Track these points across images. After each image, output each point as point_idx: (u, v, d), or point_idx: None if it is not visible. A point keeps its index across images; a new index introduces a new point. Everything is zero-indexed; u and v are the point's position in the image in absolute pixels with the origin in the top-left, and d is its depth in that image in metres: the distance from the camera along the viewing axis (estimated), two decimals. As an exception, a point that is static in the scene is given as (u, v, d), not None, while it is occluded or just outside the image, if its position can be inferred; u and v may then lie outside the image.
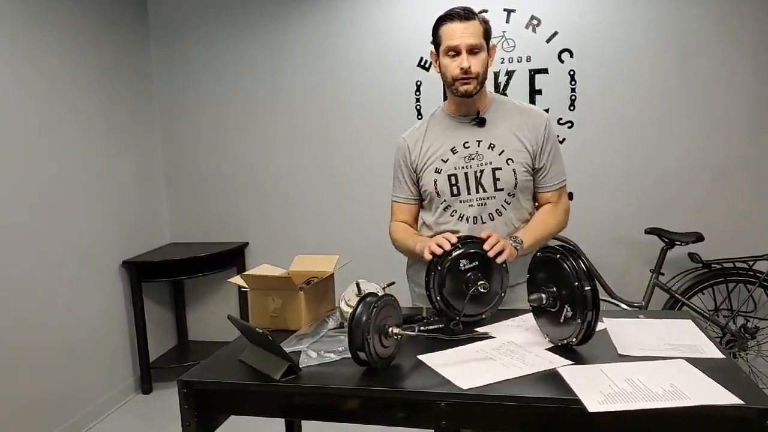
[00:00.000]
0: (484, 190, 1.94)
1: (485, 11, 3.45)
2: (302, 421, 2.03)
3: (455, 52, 1.87)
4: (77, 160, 3.33)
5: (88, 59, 3.45)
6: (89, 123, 3.44)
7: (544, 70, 3.51)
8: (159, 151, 4.12)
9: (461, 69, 1.86)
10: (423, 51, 3.65)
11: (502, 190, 1.94)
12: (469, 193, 1.96)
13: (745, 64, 3.30)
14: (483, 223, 1.95)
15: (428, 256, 1.76)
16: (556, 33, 3.47)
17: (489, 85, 2.14)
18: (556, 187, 2.01)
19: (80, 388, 3.30)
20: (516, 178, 1.93)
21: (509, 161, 1.93)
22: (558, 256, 1.52)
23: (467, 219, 1.97)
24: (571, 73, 3.48)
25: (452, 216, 1.99)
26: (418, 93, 3.70)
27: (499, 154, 1.94)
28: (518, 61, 3.52)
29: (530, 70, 3.52)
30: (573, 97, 3.48)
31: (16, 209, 2.93)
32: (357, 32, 3.74)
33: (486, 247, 1.72)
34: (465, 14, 1.87)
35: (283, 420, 1.97)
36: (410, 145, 2.06)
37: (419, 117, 3.69)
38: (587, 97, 3.47)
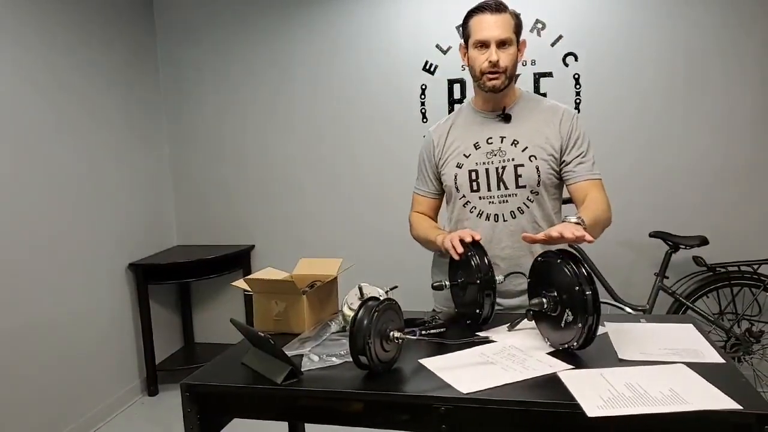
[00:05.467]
0: (506, 187, 1.92)
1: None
2: (305, 423, 2.04)
3: (484, 45, 1.85)
4: (84, 163, 3.36)
5: (96, 64, 3.48)
6: (95, 126, 3.47)
7: (549, 74, 3.52)
8: (166, 154, 4.14)
9: (489, 62, 1.84)
10: (428, 55, 3.66)
11: (524, 187, 1.91)
12: (489, 190, 1.94)
13: (751, 66, 3.30)
14: (504, 221, 1.93)
15: (456, 256, 1.74)
16: (560, 37, 3.48)
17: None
18: (592, 178, 1.91)
19: (87, 389, 3.33)
20: (539, 175, 1.90)
21: (532, 158, 1.90)
22: (559, 260, 1.52)
23: (487, 216, 1.95)
24: (576, 76, 3.48)
25: (471, 212, 1.97)
26: (423, 96, 3.71)
27: (522, 151, 1.91)
28: (523, 65, 3.52)
29: (535, 74, 3.53)
30: (578, 101, 3.48)
31: (23, 212, 2.96)
32: (363, 36, 3.76)
33: (554, 233, 1.53)
34: (496, 7, 1.84)
35: (286, 423, 1.98)
36: (435, 139, 2.05)
37: (424, 120, 3.70)
38: (592, 100, 3.47)
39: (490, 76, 1.87)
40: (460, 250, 1.74)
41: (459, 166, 1.97)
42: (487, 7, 1.85)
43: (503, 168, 1.92)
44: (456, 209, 2.02)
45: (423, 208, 2.13)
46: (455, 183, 1.97)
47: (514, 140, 1.93)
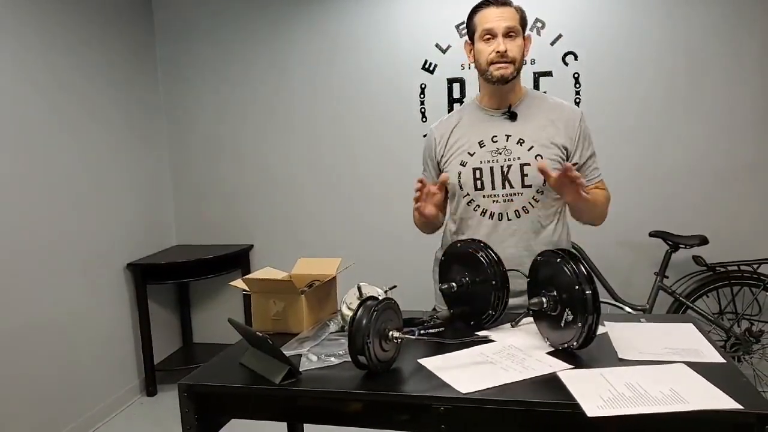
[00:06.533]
0: (511, 186, 1.91)
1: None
2: (304, 424, 2.04)
3: (491, 35, 1.85)
4: (83, 162, 3.36)
5: (95, 64, 3.47)
6: (94, 126, 3.46)
7: (549, 73, 3.51)
8: (165, 153, 4.14)
9: (497, 52, 1.84)
10: (427, 54, 3.66)
11: (530, 186, 1.91)
12: (493, 188, 1.93)
13: (751, 66, 3.29)
14: (508, 220, 1.92)
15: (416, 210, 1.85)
16: (560, 36, 3.47)
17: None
18: (597, 181, 1.99)
19: (85, 389, 3.32)
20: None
21: (538, 157, 1.89)
22: (558, 259, 1.52)
23: (491, 215, 1.94)
24: (576, 76, 3.48)
25: (475, 211, 1.96)
26: (422, 96, 3.70)
27: (528, 150, 1.90)
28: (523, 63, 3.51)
29: (534, 73, 3.52)
30: (577, 100, 3.48)
31: (22, 211, 2.95)
32: (362, 36, 3.75)
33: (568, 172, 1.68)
34: (502, 0, 1.87)
35: (285, 423, 1.97)
36: (437, 137, 2.05)
37: (424, 120, 3.70)
38: (591, 100, 3.47)
39: (498, 65, 1.86)
40: (417, 185, 1.81)
41: (463, 164, 1.96)
42: (492, 1, 1.87)
43: (508, 167, 1.91)
44: (460, 207, 2.01)
45: None
46: (459, 181, 1.97)
47: (520, 139, 1.92)
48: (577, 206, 1.87)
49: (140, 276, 3.70)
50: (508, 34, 1.85)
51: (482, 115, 2.00)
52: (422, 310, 1.94)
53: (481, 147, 1.95)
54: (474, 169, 1.94)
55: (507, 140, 1.93)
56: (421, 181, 1.82)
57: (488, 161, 1.94)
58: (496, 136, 1.95)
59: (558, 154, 1.91)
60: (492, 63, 1.87)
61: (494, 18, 1.85)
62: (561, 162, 1.91)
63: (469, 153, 1.96)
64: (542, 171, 1.73)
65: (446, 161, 2.01)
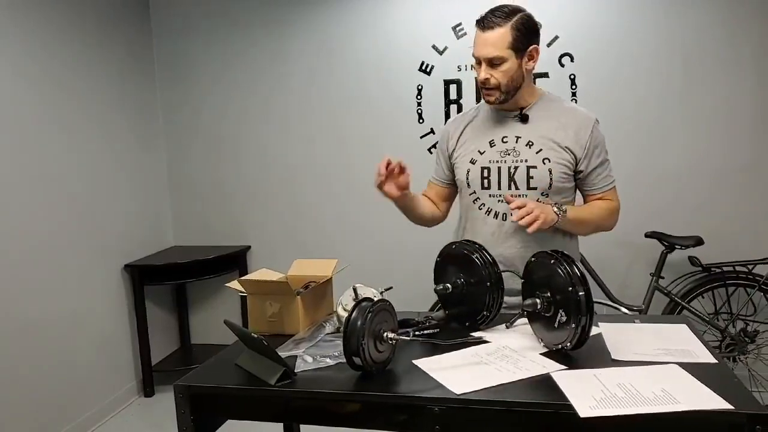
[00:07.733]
0: (516, 188, 1.93)
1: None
2: (300, 425, 2.04)
3: (478, 61, 1.89)
4: (80, 163, 3.36)
5: (92, 63, 3.47)
6: (92, 126, 3.46)
7: (545, 75, 3.52)
8: (163, 154, 4.14)
9: (481, 80, 1.88)
10: (424, 55, 3.66)
11: (535, 189, 1.92)
12: (499, 188, 1.95)
13: (746, 68, 3.30)
14: (513, 221, 1.93)
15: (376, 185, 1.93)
16: (556, 37, 3.48)
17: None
18: (606, 189, 1.99)
19: (83, 390, 3.32)
20: (551, 179, 1.90)
21: (546, 161, 1.91)
22: (552, 261, 1.53)
23: (496, 214, 1.96)
24: (572, 77, 3.49)
25: (480, 209, 1.98)
26: (419, 97, 3.71)
27: (536, 153, 1.92)
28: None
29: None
30: (573, 102, 3.48)
31: (19, 212, 2.95)
32: (359, 36, 3.76)
33: (514, 216, 1.74)
34: (488, 23, 1.82)
35: (281, 424, 1.98)
36: (450, 131, 2.09)
37: (421, 121, 3.71)
38: (587, 101, 3.46)
39: (484, 91, 1.91)
40: (382, 171, 1.88)
41: (473, 162, 1.99)
42: (482, 23, 1.85)
43: (515, 168, 1.93)
44: (466, 204, 2.04)
45: (431, 194, 2.18)
46: (467, 178, 1.99)
47: (529, 141, 1.94)
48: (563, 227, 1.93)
49: (138, 277, 3.70)
50: (491, 63, 1.85)
51: (495, 115, 2.02)
52: (418, 311, 1.95)
53: (491, 146, 1.97)
54: (482, 168, 1.97)
55: (516, 142, 1.95)
56: (389, 161, 1.87)
57: (496, 161, 1.96)
58: (506, 137, 1.97)
59: (566, 158, 1.92)
60: (481, 87, 1.92)
61: (479, 45, 1.85)
62: (568, 166, 1.92)
63: (479, 151, 1.99)
64: (508, 201, 1.79)
65: (457, 157, 2.04)
